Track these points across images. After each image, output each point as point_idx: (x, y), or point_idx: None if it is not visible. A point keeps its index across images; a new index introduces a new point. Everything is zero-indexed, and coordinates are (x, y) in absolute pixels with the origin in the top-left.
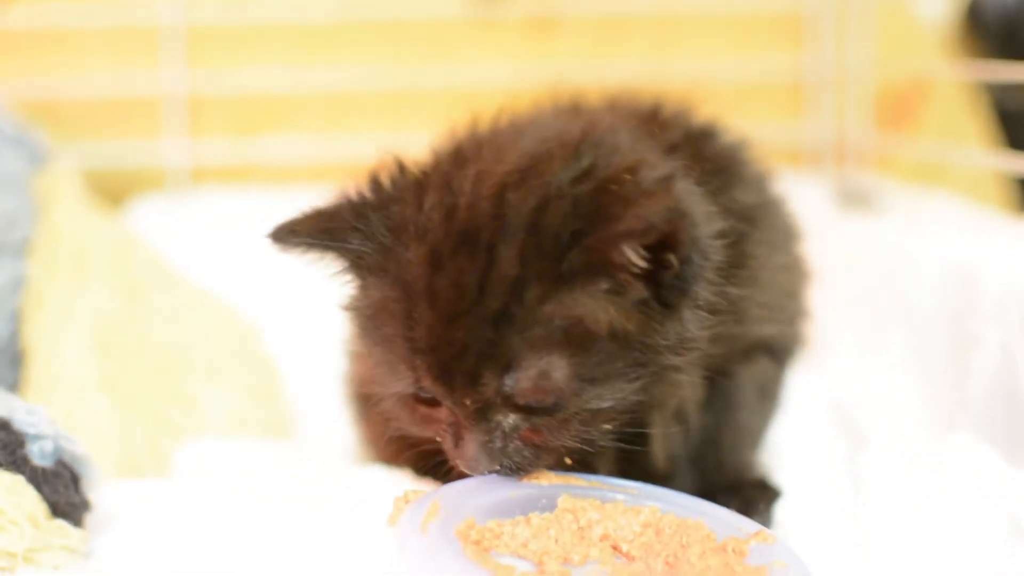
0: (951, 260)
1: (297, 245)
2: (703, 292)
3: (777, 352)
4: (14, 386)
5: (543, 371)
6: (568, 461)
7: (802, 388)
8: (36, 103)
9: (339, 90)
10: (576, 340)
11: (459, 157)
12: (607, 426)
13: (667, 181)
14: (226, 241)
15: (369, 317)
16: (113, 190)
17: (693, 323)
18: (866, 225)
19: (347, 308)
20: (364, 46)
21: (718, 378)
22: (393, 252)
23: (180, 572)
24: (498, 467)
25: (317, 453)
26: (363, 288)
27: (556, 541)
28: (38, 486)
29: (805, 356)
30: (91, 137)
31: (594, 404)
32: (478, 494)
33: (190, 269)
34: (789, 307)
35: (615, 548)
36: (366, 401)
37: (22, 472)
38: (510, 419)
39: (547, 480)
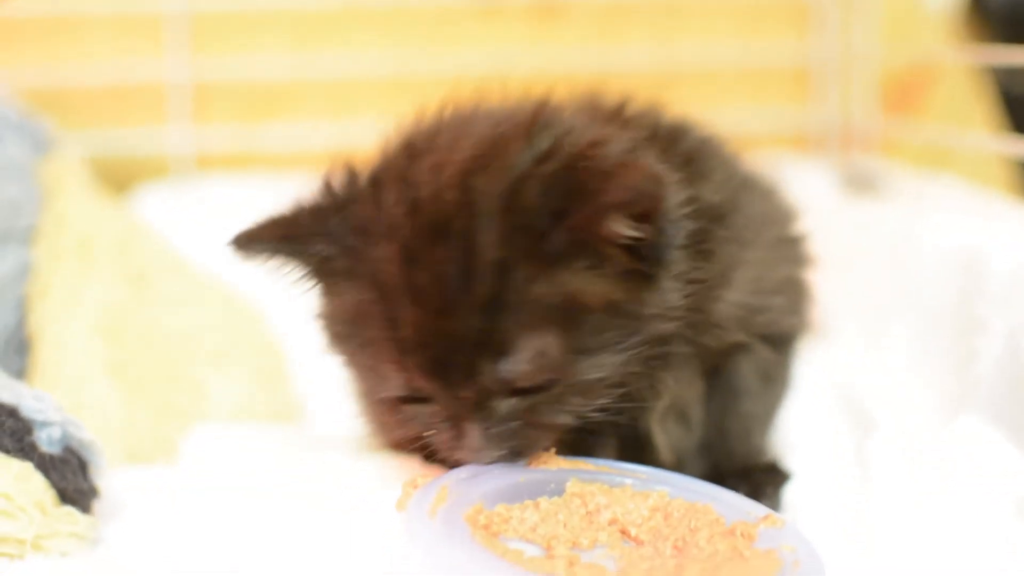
0: (957, 244)
1: (260, 252)
2: (678, 261)
3: (777, 341)
4: (21, 373)
5: (539, 351)
6: (564, 440)
7: (808, 373)
8: (41, 90)
9: (344, 77)
10: (569, 316)
11: (411, 151)
12: (603, 400)
13: (632, 152)
14: (231, 228)
15: (345, 323)
16: (118, 178)
17: (672, 292)
18: (872, 210)
19: (318, 317)
20: (368, 32)
21: (720, 369)
22: (361, 253)
23: (188, 558)
24: (502, 452)
25: (324, 439)
26: (333, 294)
27: (564, 526)
28: (46, 473)
29: (811, 341)
30: (96, 125)
31: (589, 375)
32: (486, 479)
33: (195, 256)
34: (779, 300)
35: (624, 532)
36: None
37: (30, 459)
38: (508, 403)
39: (555, 465)
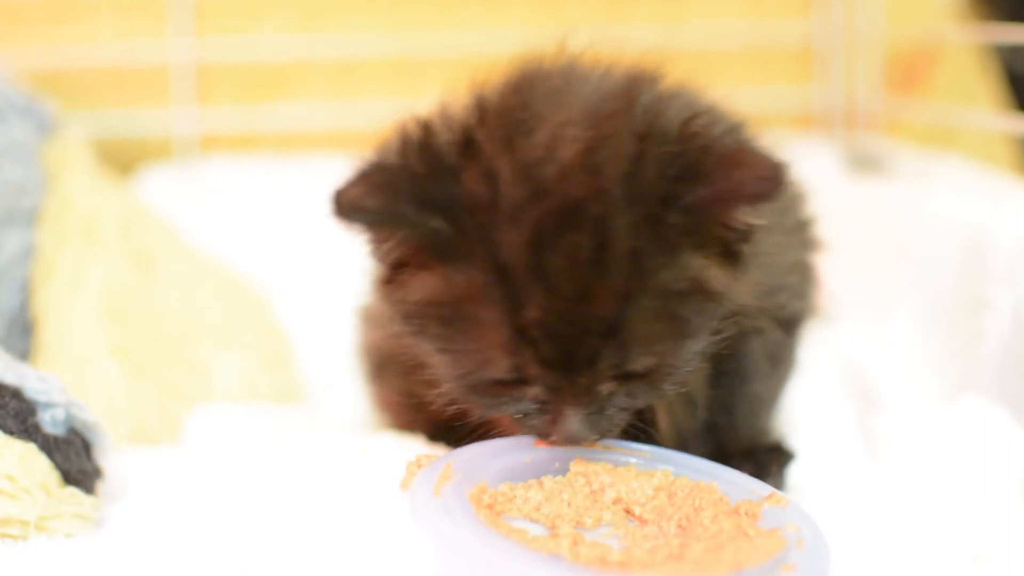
0: (962, 223)
1: (370, 222)
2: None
3: (785, 323)
4: (25, 355)
5: (659, 339)
6: None
7: (813, 353)
8: (45, 72)
9: (349, 57)
10: (685, 301)
11: (506, 120)
12: (686, 381)
13: (746, 141)
14: (236, 209)
15: (441, 304)
16: (122, 159)
17: (752, 271)
18: (877, 189)
19: (410, 303)
20: (372, 13)
21: (729, 351)
22: (477, 233)
23: (192, 539)
24: (597, 436)
25: (328, 420)
26: (431, 272)
27: (569, 505)
28: (50, 454)
29: (817, 322)
30: (100, 106)
31: (688, 360)
32: (491, 458)
33: (200, 237)
34: (791, 283)
35: (628, 511)
36: (380, 367)
37: (34, 440)
38: (609, 388)
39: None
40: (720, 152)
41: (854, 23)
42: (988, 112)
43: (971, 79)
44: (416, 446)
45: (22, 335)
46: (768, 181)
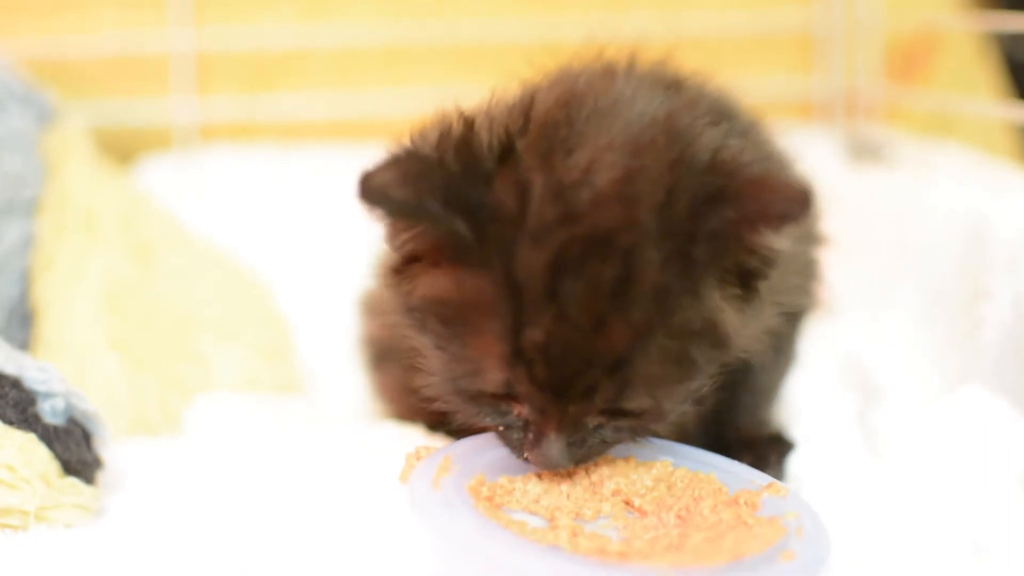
0: (963, 212)
1: (394, 211)
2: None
3: (788, 316)
4: (24, 346)
5: (663, 381)
6: None
7: (814, 342)
8: (45, 61)
9: (349, 46)
10: (699, 346)
11: (546, 133)
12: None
13: (767, 165)
14: (236, 199)
15: (447, 305)
16: (122, 149)
17: (763, 316)
18: (877, 177)
19: (416, 297)
20: (372, 2)
21: None
22: (499, 245)
23: (192, 530)
24: (573, 464)
25: (328, 411)
26: (443, 273)
27: (568, 497)
28: (50, 444)
29: (818, 313)
30: (100, 96)
31: (681, 404)
32: (490, 450)
33: (200, 227)
34: (797, 281)
35: (627, 503)
36: (381, 357)
37: (34, 430)
38: (599, 420)
39: None
40: (747, 176)
41: (854, 11)
42: (988, 100)
43: (971, 67)
44: (416, 437)
45: (22, 326)
46: (795, 202)
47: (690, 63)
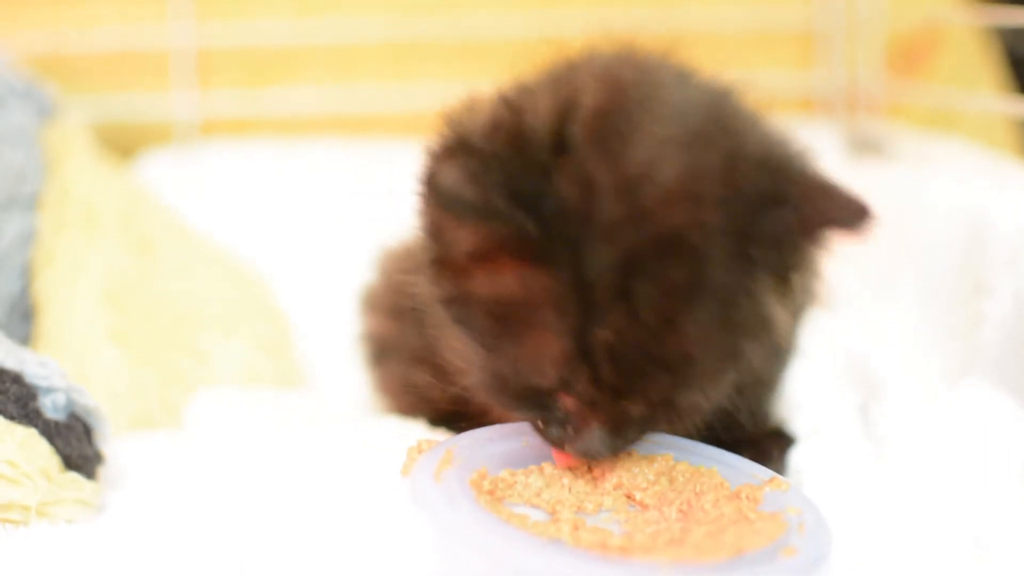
0: (964, 207)
1: (467, 211)
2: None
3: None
4: (25, 340)
5: (717, 377)
6: None
7: (815, 336)
8: (45, 56)
9: (350, 41)
10: (753, 342)
11: (602, 123)
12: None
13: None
14: (236, 194)
15: (508, 303)
16: (122, 144)
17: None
18: (878, 172)
19: (467, 292)
20: None
21: None
22: (564, 242)
23: (193, 525)
24: (611, 455)
25: (329, 405)
26: (496, 270)
27: (569, 490)
28: (51, 439)
29: (818, 306)
30: (100, 90)
31: (724, 395)
32: (491, 443)
33: (200, 222)
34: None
35: (629, 497)
36: (382, 353)
37: (35, 425)
38: (645, 412)
39: None
40: (808, 182)
41: (855, 6)
42: (989, 95)
43: (972, 62)
44: (417, 431)
45: (23, 321)
46: (855, 214)
47: (691, 58)
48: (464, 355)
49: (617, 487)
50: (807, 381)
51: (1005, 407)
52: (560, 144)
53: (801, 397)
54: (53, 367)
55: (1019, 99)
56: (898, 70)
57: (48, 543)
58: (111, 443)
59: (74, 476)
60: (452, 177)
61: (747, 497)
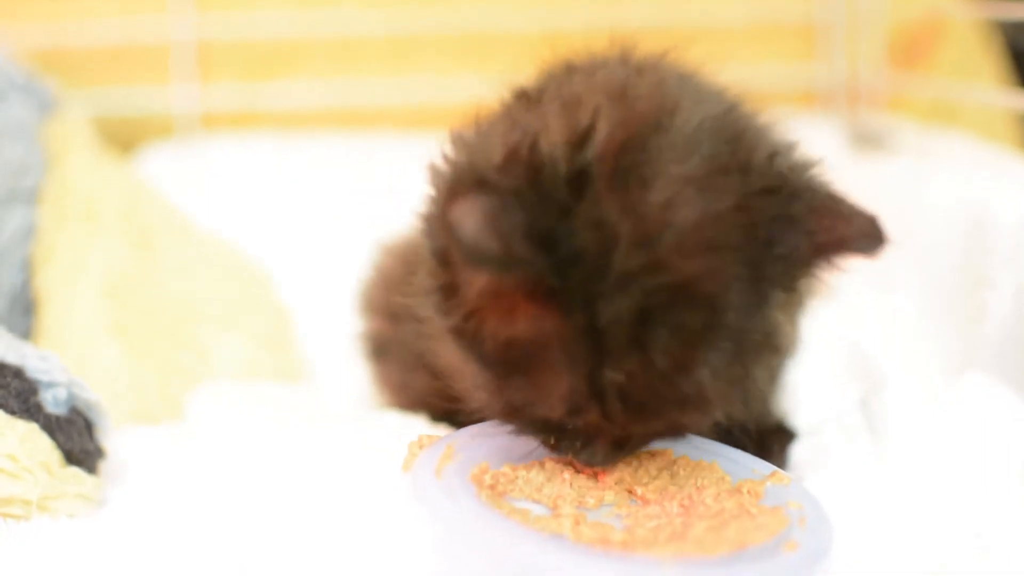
0: (965, 200)
1: (491, 265)
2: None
3: None
4: (26, 335)
5: (725, 401)
6: None
7: (815, 330)
8: (45, 50)
9: (351, 34)
10: (761, 361)
11: (618, 162)
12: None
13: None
14: (237, 188)
15: (519, 344)
16: (123, 137)
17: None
18: (879, 166)
19: (477, 330)
20: None
21: None
22: (580, 285)
23: (194, 520)
24: (615, 463)
25: (330, 400)
26: (515, 310)
27: (570, 485)
28: (52, 434)
29: (818, 299)
30: (100, 84)
31: (733, 407)
32: (492, 438)
33: (201, 216)
34: None
35: (630, 491)
36: (381, 351)
37: (36, 420)
38: (648, 433)
39: None
40: (819, 203)
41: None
42: (991, 88)
43: (974, 55)
44: (418, 427)
45: (24, 315)
46: (870, 237)
47: (692, 52)
48: (470, 378)
49: (618, 482)
50: (808, 376)
51: (1006, 401)
52: (578, 180)
53: (802, 392)
54: (54, 362)
55: (1020, 92)
56: (899, 63)
57: (49, 538)
58: (112, 438)
59: (75, 471)
60: (471, 223)
61: (748, 492)
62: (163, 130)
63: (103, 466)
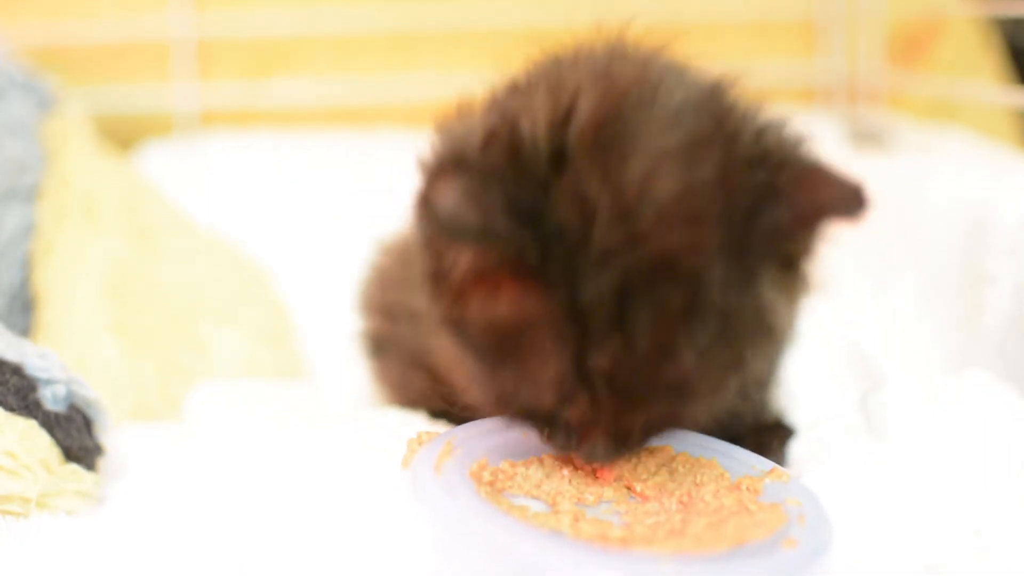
0: (964, 197)
1: (468, 236)
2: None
3: None
4: (25, 332)
5: (719, 388)
6: None
7: (814, 327)
8: (45, 48)
9: (351, 32)
10: (754, 344)
11: (598, 135)
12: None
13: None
14: (237, 185)
15: (507, 326)
16: (122, 135)
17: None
18: (878, 163)
19: (464, 313)
20: None
21: None
22: (561, 263)
23: (193, 517)
24: (617, 459)
25: (330, 396)
26: (499, 290)
27: (569, 481)
28: (51, 431)
29: (817, 296)
30: (100, 82)
31: (726, 402)
32: (491, 435)
33: (200, 213)
34: None
35: (629, 488)
36: (380, 348)
37: (35, 417)
38: (644, 425)
39: None
40: (799, 170)
41: None
42: (990, 85)
43: (973, 52)
44: (417, 423)
45: (23, 312)
46: (851, 200)
47: (691, 48)
48: (464, 371)
49: (617, 478)
50: (807, 372)
51: (1006, 399)
52: (558, 156)
53: (801, 388)
54: (53, 359)
55: (1019, 89)
56: (899, 61)
57: (48, 535)
58: (111, 434)
59: (74, 467)
60: (450, 198)
61: (747, 488)
62: (163, 128)
63: (102, 463)
